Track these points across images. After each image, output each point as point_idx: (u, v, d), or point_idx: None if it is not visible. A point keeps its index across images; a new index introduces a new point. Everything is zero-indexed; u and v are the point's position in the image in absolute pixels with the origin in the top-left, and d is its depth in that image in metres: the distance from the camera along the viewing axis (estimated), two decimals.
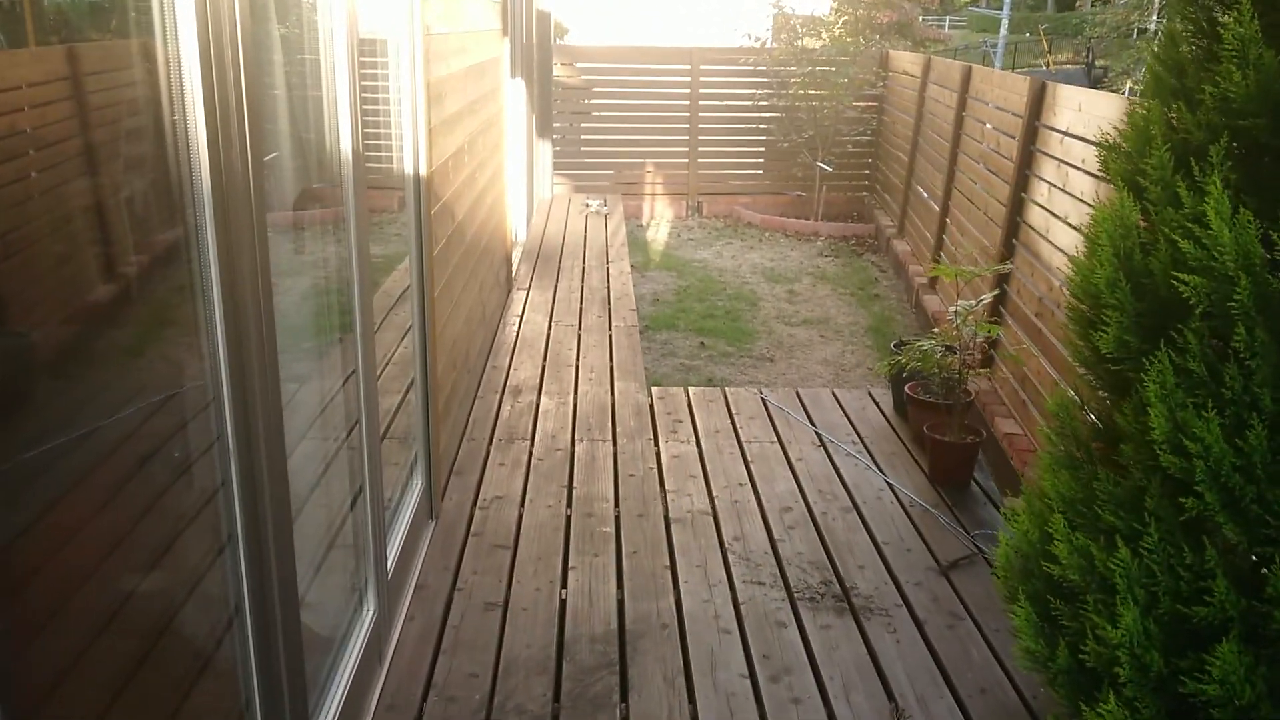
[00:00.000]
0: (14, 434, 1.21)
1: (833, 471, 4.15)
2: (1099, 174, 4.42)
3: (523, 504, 3.82)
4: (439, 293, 3.72)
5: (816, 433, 4.51)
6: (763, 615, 3.16)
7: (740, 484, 4.03)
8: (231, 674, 1.94)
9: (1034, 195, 5.34)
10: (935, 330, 4.52)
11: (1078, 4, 35.67)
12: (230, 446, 1.81)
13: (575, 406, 4.74)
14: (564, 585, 3.30)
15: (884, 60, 10.37)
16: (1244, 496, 1.74)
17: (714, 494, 3.94)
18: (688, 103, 10.71)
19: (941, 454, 4.03)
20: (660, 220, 10.78)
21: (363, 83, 2.65)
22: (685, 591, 3.28)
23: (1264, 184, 1.84)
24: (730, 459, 4.25)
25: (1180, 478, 1.81)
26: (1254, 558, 1.85)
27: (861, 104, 10.37)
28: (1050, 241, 4.91)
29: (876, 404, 4.88)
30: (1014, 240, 5.54)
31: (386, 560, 2.93)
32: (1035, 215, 5.25)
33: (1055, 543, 2.12)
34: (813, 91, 10.22)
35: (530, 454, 4.24)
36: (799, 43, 10.54)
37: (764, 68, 10.44)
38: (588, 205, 9.48)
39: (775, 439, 4.46)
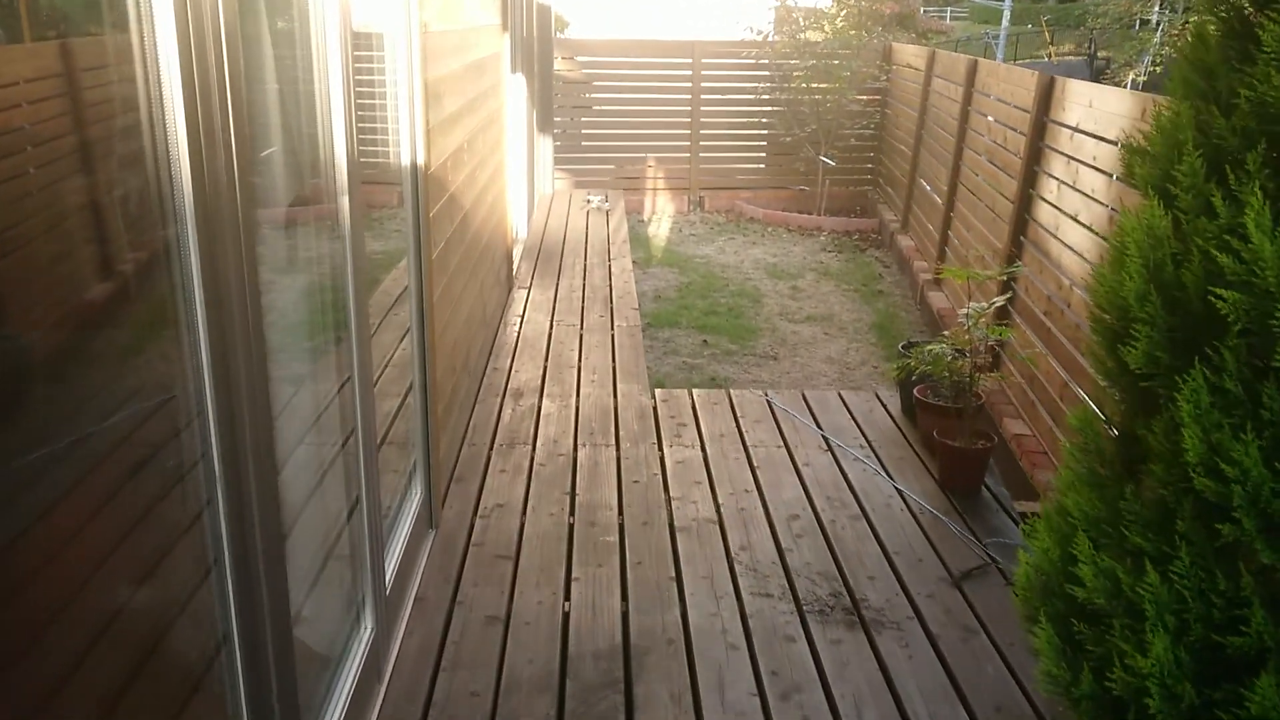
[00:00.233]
0: None
1: (840, 477, 4.06)
2: (1108, 170, 4.36)
3: (524, 512, 3.74)
4: (439, 296, 3.63)
5: (823, 436, 4.43)
6: (771, 629, 3.08)
7: (746, 490, 3.95)
8: (220, 702, 1.86)
9: (1043, 192, 5.25)
10: (945, 333, 4.43)
11: None
12: (216, 463, 1.72)
13: (577, 409, 4.66)
14: (567, 597, 3.22)
15: (887, 53, 10.27)
16: None
17: (720, 501, 3.86)
18: (689, 97, 10.61)
19: (952, 460, 3.94)
20: (662, 215, 10.69)
21: (360, 81, 2.56)
22: (691, 604, 3.20)
23: None
24: (736, 464, 4.17)
25: (1215, 501, 1.73)
26: None
27: (865, 97, 10.27)
28: (1060, 239, 4.83)
29: (884, 406, 4.79)
30: (1022, 237, 5.46)
31: (384, 575, 2.85)
32: (1044, 212, 5.16)
33: (1079, 564, 2.03)
34: (815, 85, 10.12)
35: (532, 459, 4.16)
36: (801, 36, 10.44)
37: (766, 61, 10.34)
38: (589, 201, 9.39)
39: (781, 443, 4.38)
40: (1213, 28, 1.99)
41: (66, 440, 1.32)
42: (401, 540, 3.17)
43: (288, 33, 2.25)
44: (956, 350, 4.12)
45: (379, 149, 3.11)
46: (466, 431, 4.37)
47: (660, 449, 4.30)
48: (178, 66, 1.50)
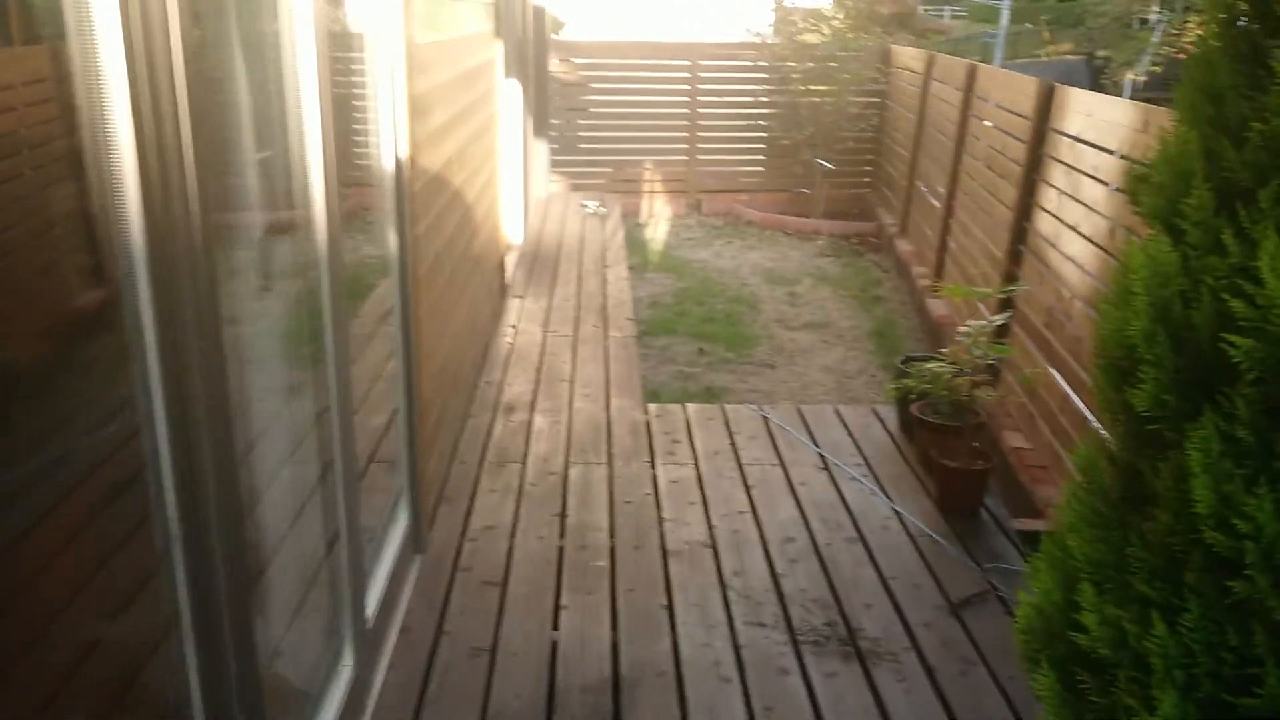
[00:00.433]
0: None
1: (837, 497, 3.98)
2: (1108, 181, 4.27)
3: (513, 535, 3.65)
4: (426, 314, 3.54)
5: (820, 454, 4.35)
6: (764, 661, 2.99)
7: (740, 511, 3.86)
8: None
9: (1043, 201, 5.16)
10: (943, 350, 4.35)
11: None
12: (170, 510, 1.62)
13: (570, 426, 4.57)
14: (555, 626, 3.14)
15: (886, 56, 10.17)
16: None
17: (713, 523, 3.77)
18: (687, 99, 10.51)
19: (950, 481, 3.86)
20: (659, 218, 10.59)
21: (341, 96, 2.47)
22: (683, 634, 3.11)
23: None
24: (730, 483, 4.09)
25: (1227, 556, 1.64)
26: None
27: (863, 100, 10.17)
28: (1060, 250, 4.74)
29: (881, 421, 4.71)
30: (1021, 246, 5.37)
31: (365, 611, 2.76)
32: (1044, 222, 5.07)
33: (1083, 611, 1.95)
34: (814, 87, 10.03)
35: (522, 479, 4.07)
36: (800, 38, 10.35)
37: (764, 63, 10.24)
38: (585, 207, 9.30)
39: (777, 460, 4.30)
40: (1220, 52, 1.90)
41: None
42: (386, 568, 3.09)
43: (256, 42, 2.15)
44: (955, 368, 4.03)
45: (362, 165, 3.02)
46: (456, 448, 4.29)
47: (653, 467, 4.22)
48: (125, 74, 1.39)
